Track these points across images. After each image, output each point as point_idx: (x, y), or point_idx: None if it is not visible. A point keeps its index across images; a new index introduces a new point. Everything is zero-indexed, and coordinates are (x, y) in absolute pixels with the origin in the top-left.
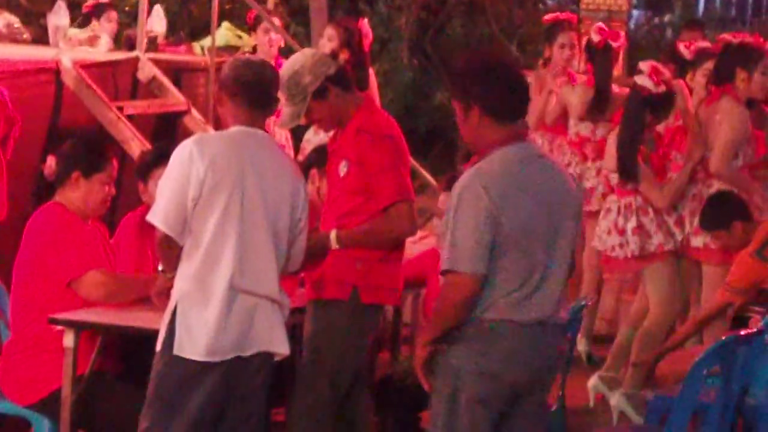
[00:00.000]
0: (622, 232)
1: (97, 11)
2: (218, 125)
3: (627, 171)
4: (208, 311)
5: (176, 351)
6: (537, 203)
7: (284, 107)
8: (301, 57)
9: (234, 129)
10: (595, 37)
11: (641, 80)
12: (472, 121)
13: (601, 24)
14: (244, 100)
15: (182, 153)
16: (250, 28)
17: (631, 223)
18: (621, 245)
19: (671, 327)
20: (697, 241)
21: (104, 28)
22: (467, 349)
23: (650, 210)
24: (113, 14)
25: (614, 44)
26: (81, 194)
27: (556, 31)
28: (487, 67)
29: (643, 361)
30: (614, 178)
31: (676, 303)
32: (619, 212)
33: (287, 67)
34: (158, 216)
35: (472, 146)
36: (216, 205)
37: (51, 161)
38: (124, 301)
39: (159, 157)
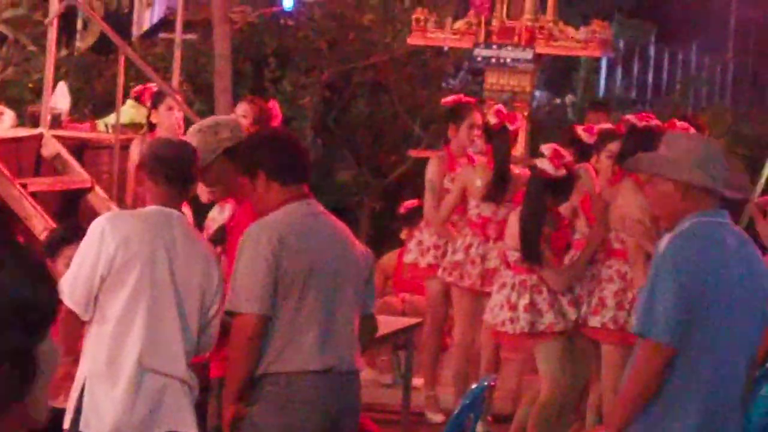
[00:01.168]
0: (513, 307)
1: (155, 101)
2: (122, 203)
3: (530, 255)
4: (116, 390)
5: (83, 429)
6: (318, 251)
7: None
8: (225, 117)
9: (150, 208)
10: (493, 120)
11: (542, 164)
12: (259, 188)
13: (499, 106)
14: (163, 179)
15: (95, 230)
16: (151, 106)
17: (524, 300)
18: (512, 320)
19: (569, 405)
20: (595, 321)
21: (163, 116)
22: (267, 406)
23: (544, 289)
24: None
25: (511, 126)
26: None
27: (467, 111)
28: (270, 137)
29: None
30: (513, 255)
31: (565, 382)
32: (513, 288)
33: (210, 118)
34: (65, 290)
35: (260, 213)
36: (125, 283)
37: None
38: None
39: (68, 235)
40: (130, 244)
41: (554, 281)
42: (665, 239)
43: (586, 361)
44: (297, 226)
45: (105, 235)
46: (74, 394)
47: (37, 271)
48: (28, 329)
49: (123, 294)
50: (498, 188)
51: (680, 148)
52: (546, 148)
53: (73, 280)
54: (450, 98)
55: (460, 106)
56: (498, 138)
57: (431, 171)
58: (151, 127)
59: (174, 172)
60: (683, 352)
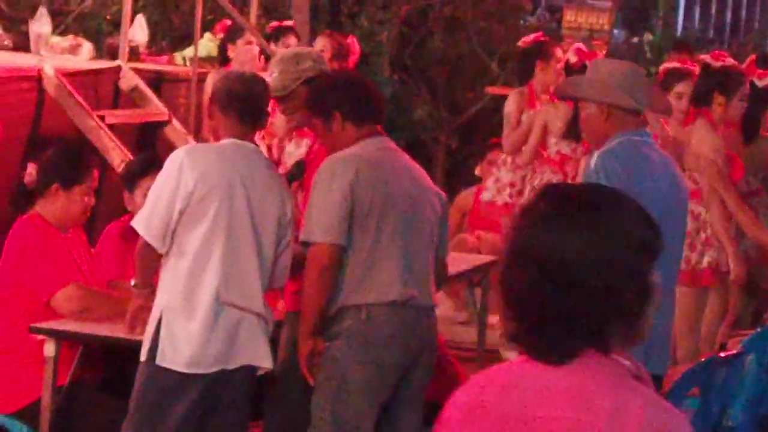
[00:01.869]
0: None
1: (232, 35)
2: (198, 136)
3: None
4: (193, 323)
5: (159, 361)
6: (395, 184)
7: (275, 80)
8: (307, 48)
9: (226, 141)
10: (573, 58)
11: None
12: (335, 130)
13: (579, 44)
14: (236, 113)
15: (173, 163)
16: (227, 39)
17: None
18: None
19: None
20: None
21: (241, 52)
22: (349, 342)
23: None
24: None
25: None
26: (60, 205)
27: (553, 48)
28: (343, 79)
29: None
30: None
31: None
32: None
33: (292, 48)
34: (142, 223)
35: (334, 153)
36: (204, 217)
37: (32, 169)
38: (97, 316)
39: (146, 167)
40: (209, 177)
41: None
42: (594, 156)
43: None
44: (373, 160)
45: (183, 168)
46: (151, 327)
47: (645, 215)
48: (647, 261)
49: (201, 228)
50: (578, 126)
51: (604, 71)
52: None
53: (150, 214)
54: (530, 37)
55: (545, 43)
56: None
57: (510, 105)
58: (225, 60)
59: (246, 106)
60: None
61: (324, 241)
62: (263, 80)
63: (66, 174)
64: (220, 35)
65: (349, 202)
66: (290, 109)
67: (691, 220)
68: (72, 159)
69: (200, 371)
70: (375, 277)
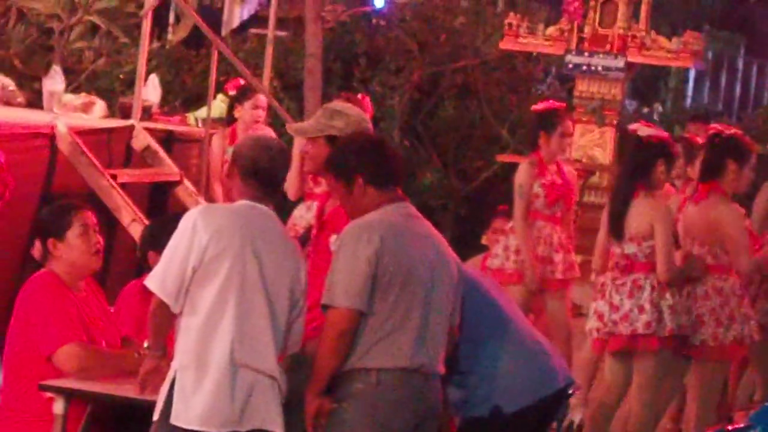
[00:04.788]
0: (656, 306)
1: (240, 96)
2: (209, 196)
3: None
4: (206, 381)
5: (173, 420)
6: (417, 253)
7: (307, 122)
8: (359, 111)
9: (241, 203)
10: None
11: (642, 131)
12: (356, 193)
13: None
14: (256, 182)
15: (187, 222)
16: (236, 100)
17: (667, 301)
18: (659, 320)
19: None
20: (695, 339)
21: (247, 113)
22: (357, 404)
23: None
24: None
25: None
26: (64, 257)
27: (558, 119)
28: (366, 142)
29: None
30: (643, 248)
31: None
32: (653, 289)
33: (344, 103)
34: (155, 281)
35: (353, 217)
36: (217, 274)
37: (38, 243)
38: (98, 375)
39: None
40: (222, 236)
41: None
42: None
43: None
44: (396, 227)
45: (197, 226)
46: (165, 387)
47: None
48: None
49: (214, 286)
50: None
51: None
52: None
53: (164, 272)
54: (541, 105)
55: (552, 113)
56: None
57: (522, 176)
58: (231, 120)
59: (267, 179)
60: None
61: (346, 306)
62: (286, 152)
63: (51, 226)
64: (232, 92)
65: (373, 270)
66: (308, 158)
67: (715, 295)
68: (52, 211)
69: (212, 430)
70: (388, 344)
